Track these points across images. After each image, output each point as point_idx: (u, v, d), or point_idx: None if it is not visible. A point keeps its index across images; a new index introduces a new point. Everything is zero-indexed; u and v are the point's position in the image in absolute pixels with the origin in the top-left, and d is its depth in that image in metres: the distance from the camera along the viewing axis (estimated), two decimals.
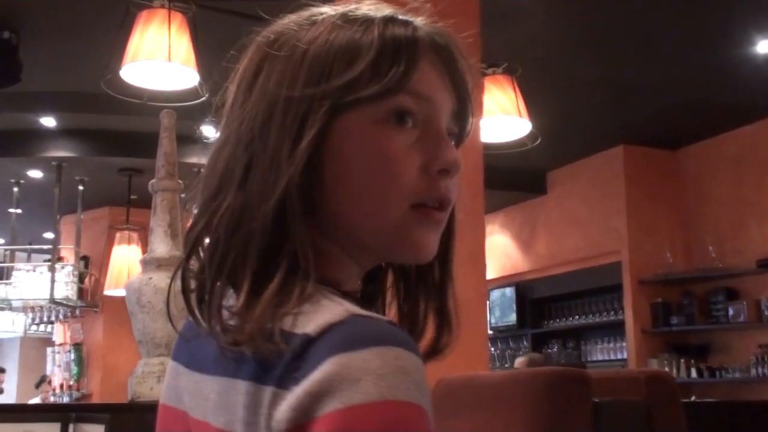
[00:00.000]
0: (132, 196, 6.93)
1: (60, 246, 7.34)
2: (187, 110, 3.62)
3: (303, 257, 0.73)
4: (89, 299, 7.64)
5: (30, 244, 8.37)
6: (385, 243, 0.78)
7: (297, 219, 0.73)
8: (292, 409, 0.65)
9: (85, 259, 7.71)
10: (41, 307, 7.72)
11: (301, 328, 0.68)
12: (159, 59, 3.38)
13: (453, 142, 0.82)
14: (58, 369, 8.02)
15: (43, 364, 9.39)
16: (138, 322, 2.93)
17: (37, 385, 8.20)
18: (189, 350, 0.84)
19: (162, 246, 3.00)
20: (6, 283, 7.45)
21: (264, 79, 0.77)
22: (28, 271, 7.43)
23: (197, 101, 3.69)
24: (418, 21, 0.79)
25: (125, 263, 6.74)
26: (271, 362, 0.68)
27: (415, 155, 0.76)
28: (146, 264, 3.02)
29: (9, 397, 10.83)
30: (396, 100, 0.75)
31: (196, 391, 0.79)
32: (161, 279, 2.92)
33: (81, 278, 7.50)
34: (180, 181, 3.09)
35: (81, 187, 7.09)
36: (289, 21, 0.80)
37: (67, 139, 6.50)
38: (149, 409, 2.83)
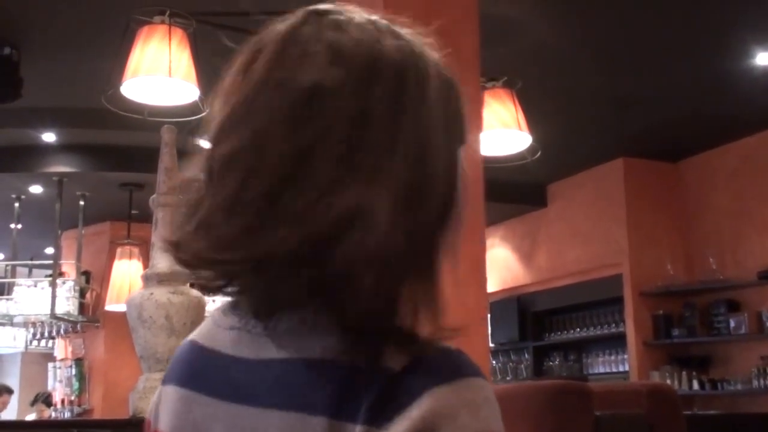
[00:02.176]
0: (133, 211, 6.93)
1: (61, 261, 7.33)
2: (187, 125, 3.63)
3: None
4: (90, 314, 7.63)
5: (31, 259, 8.37)
6: None
7: None
8: None
9: (87, 274, 7.70)
10: (42, 322, 7.70)
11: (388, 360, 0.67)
12: (159, 74, 3.39)
13: None
14: (59, 384, 8.00)
15: (44, 380, 9.38)
16: (139, 338, 2.93)
17: (32, 403, 8.17)
18: (212, 377, 0.78)
19: (163, 261, 3.00)
20: (7, 299, 7.44)
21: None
22: (29, 286, 7.42)
23: (198, 116, 3.70)
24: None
25: (126, 278, 6.74)
26: (355, 393, 0.66)
27: None
28: (148, 279, 3.02)
29: (10, 413, 10.81)
30: None
31: (238, 426, 0.73)
32: (162, 294, 2.92)
33: (82, 293, 7.49)
34: (180, 197, 3.09)
35: (82, 202, 7.09)
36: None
37: (67, 154, 6.52)
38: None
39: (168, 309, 2.90)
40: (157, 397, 0.86)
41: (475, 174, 3.31)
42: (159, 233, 3.04)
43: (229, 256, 0.71)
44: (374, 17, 0.77)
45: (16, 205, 7.28)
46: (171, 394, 0.82)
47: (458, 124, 0.78)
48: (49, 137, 6.25)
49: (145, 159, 6.28)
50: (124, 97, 3.61)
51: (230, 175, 0.72)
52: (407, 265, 0.70)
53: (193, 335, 0.87)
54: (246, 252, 0.70)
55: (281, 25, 0.76)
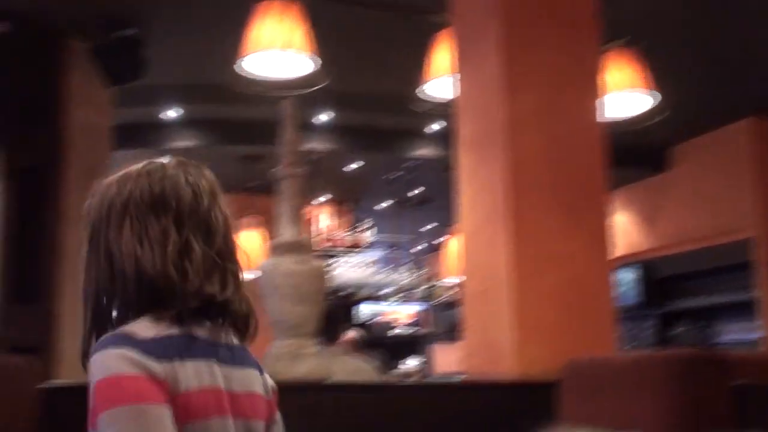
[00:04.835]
0: (253, 183, 7.10)
1: None
2: (304, 97, 3.68)
3: None
4: None
5: None
6: None
7: None
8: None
9: None
10: None
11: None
12: (278, 48, 3.43)
13: None
14: None
15: None
16: (269, 305, 3.01)
17: None
18: (212, 353, 1.30)
19: (288, 231, 3.07)
20: None
21: None
22: None
23: (316, 88, 3.74)
24: None
25: (249, 249, 6.92)
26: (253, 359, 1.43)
27: None
28: (275, 249, 3.10)
29: None
30: None
31: (245, 380, 1.35)
32: (289, 263, 2.99)
33: None
34: (303, 167, 3.15)
35: None
36: None
37: (188, 130, 6.72)
38: (290, 388, 2.90)
39: (294, 278, 2.97)
40: (163, 370, 1.20)
41: (594, 140, 3.24)
42: (284, 204, 3.11)
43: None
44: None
45: None
46: (190, 366, 1.24)
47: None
48: (171, 114, 6.46)
49: (263, 132, 6.42)
50: (245, 72, 3.67)
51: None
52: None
53: (140, 331, 1.24)
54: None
55: None
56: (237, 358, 1.35)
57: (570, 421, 2.59)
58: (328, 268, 3.17)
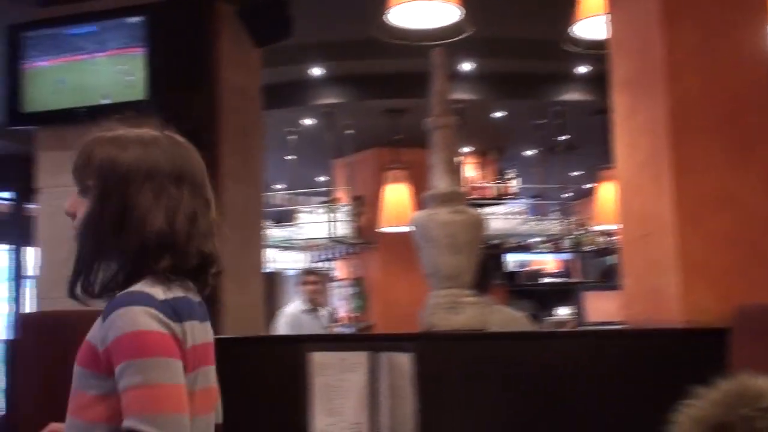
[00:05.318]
0: (398, 136, 7.14)
1: (335, 188, 7.75)
2: (448, 46, 3.63)
3: None
4: (365, 236, 8.04)
5: (306, 188, 8.94)
6: None
7: None
8: None
9: (359, 198, 8.10)
10: (322, 245, 8.24)
11: None
12: None
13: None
14: (341, 302, 8.56)
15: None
16: (425, 256, 3.03)
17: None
18: (194, 312, 1.50)
19: (443, 182, 3.06)
20: (289, 225, 8.04)
21: None
22: (308, 212, 7.96)
23: (461, 36, 3.69)
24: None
25: (396, 201, 7.00)
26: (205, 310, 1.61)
27: None
28: (429, 200, 3.10)
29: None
30: None
31: (209, 334, 1.56)
32: (444, 214, 2.99)
33: (356, 217, 7.90)
34: (455, 117, 3.12)
35: (350, 131, 7.42)
36: None
37: (334, 86, 6.82)
38: (450, 338, 2.93)
39: (450, 228, 2.97)
40: (180, 330, 1.42)
41: (763, 75, 3.03)
42: (437, 155, 3.10)
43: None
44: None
45: (290, 138, 7.77)
46: (193, 325, 1.47)
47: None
48: (316, 71, 6.56)
49: (406, 85, 6.44)
50: (390, 24, 3.66)
51: None
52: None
53: (155, 293, 1.44)
54: None
55: None
56: (205, 313, 1.58)
57: (742, 369, 2.49)
58: (484, 218, 3.14)
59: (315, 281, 6.38)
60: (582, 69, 6.53)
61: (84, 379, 1.43)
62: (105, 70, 4.24)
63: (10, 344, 3.13)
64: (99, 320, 1.43)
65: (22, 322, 3.25)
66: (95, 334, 1.43)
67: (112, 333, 1.37)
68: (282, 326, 6.21)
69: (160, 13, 4.18)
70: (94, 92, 4.23)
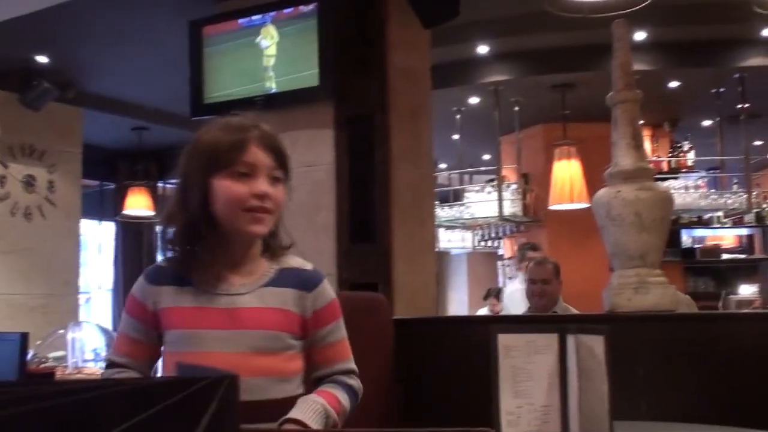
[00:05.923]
0: (566, 111, 6.98)
1: (502, 166, 7.68)
2: (627, 17, 3.50)
3: None
4: (533, 214, 7.93)
5: (470, 167, 8.91)
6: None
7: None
8: None
9: (526, 176, 7.99)
10: (489, 224, 8.20)
11: None
12: None
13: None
14: (509, 281, 8.50)
15: (489, 277, 10.03)
16: (609, 235, 2.95)
17: (485, 297, 8.79)
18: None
19: (626, 158, 2.96)
20: (457, 205, 8.04)
21: (184, 160, 1.70)
22: (477, 191, 7.94)
23: (639, 6, 3.55)
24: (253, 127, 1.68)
25: (566, 178, 6.85)
26: None
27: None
28: (612, 177, 3.01)
29: (462, 307, 11.79)
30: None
31: None
32: (629, 191, 2.89)
33: (524, 195, 7.80)
34: (638, 91, 3.00)
35: (517, 108, 7.32)
36: (196, 133, 1.72)
37: (500, 63, 6.74)
38: (640, 319, 2.84)
39: (636, 206, 2.86)
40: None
41: None
42: (620, 130, 3.00)
43: None
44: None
45: (458, 117, 7.75)
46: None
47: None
48: (482, 49, 6.50)
49: (575, 58, 6.27)
50: None
51: None
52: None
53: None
54: None
55: None
56: None
57: None
58: (671, 193, 3.01)
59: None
60: (767, 32, 6.13)
61: (280, 341, 1.67)
62: (280, 59, 4.37)
63: None
64: (290, 291, 1.70)
65: None
66: (293, 302, 1.70)
67: (323, 300, 1.74)
68: (505, 304, 6.21)
69: (331, 0, 4.27)
70: (270, 81, 4.37)
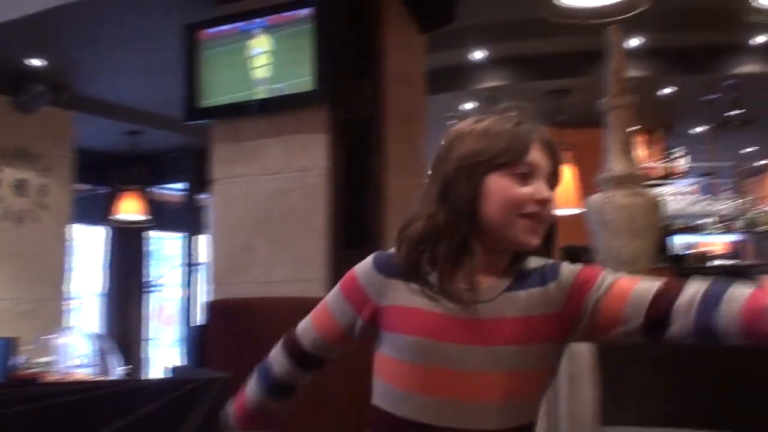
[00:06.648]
0: (561, 117, 6.99)
1: None
2: (623, 24, 3.51)
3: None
4: None
5: None
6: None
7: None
8: None
9: None
10: None
11: None
12: None
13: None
14: None
15: None
16: (601, 240, 2.95)
17: None
18: None
19: (619, 163, 2.97)
20: None
21: (453, 152, 1.48)
22: None
23: (632, 13, 3.55)
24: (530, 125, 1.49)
25: (564, 183, 6.85)
26: None
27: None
28: (605, 182, 3.01)
29: None
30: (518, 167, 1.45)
31: None
32: (621, 197, 2.90)
33: None
34: (632, 97, 3.02)
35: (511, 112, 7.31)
36: (466, 122, 1.51)
37: (495, 70, 6.75)
38: None
39: (628, 211, 2.87)
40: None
41: None
42: (612, 136, 3.01)
43: None
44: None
45: (453, 123, 7.74)
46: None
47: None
48: (477, 54, 6.51)
49: (571, 64, 6.28)
50: (558, 3, 3.58)
51: None
52: None
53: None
54: None
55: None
56: None
57: None
58: (662, 199, 3.02)
59: None
60: (760, 39, 6.16)
61: (542, 355, 1.44)
62: (275, 63, 4.37)
63: (200, 329, 3.30)
64: (537, 291, 1.46)
65: (212, 308, 3.41)
66: (541, 303, 1.45)
67: (568, 276, 1.47)
68: None
69: (327, 4, 4.27)
70: (264, 85, 4.37)
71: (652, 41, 6.29)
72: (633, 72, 6.46)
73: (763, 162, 8.60)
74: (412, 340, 1.42)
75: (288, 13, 4.34)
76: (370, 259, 1.54)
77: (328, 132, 4.36)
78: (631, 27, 5.85)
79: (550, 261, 1.50)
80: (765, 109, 6.41)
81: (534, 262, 1.50)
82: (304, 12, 4.28)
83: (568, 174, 6.85)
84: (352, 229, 4.45)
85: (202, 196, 8.53)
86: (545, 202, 1.44)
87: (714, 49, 6.40)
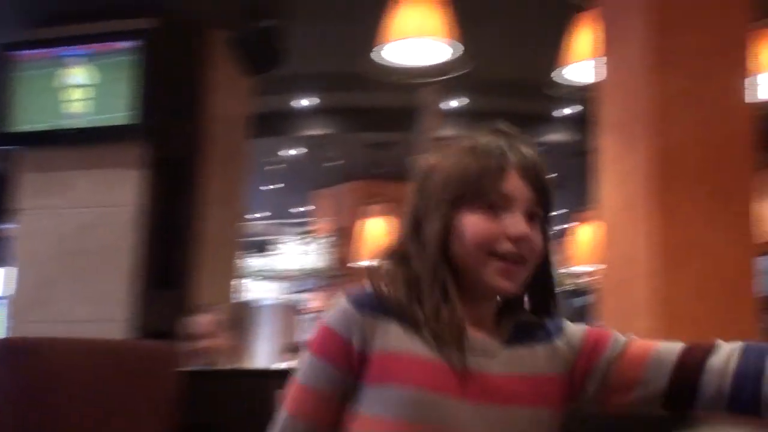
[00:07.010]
0: (381, 170, 7.17)
1: (316, 219, 7.76)
2: (444, 84, 3.67)
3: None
4: (342, 269, 8.02)
5: (286, 219, 8.93)
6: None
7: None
8: None
9: (339, 230, 8.09)
10: (297, 276, 8.22)
11: None
12: (418, 36, 3.42)
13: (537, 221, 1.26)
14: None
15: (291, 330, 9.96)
16: None
17: (281, 352, 8.70)
18: None
19: None
20: (266, 255, 8.02)
21: (424, 185, 1.27)
22: (286, 243, 7.95)
23: (452, 75, 3.71)
24: (510, 149, 1.26)
25: (376, 235, 6.99)
26: None
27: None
28: None
29: (268, 359, 11.60)
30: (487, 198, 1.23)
31: None
32: None
33: (334, 249, 7.89)
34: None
35: (332, 163, 7.43)
36: (438, 151, 1.32)
37: (320, 118, 6.85)
38: None
39: None
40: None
41: (742, 121, 3.10)
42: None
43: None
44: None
45: (271, 168, 7.76)
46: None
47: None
48: (303, 102, 6.60)
49: (392, 119, 6.48)
50: (383, 59, 3.68)
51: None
52: None
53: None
54: None
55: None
56: None
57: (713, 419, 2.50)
58: None
59: None
60: (566, 110, 6.62)
61: (549, 420, 1.25)
62: (93, 93, 4.24)
63: None
64: (540, 348, 1.27)
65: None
66: (549, 361, 1.26)
67: (580, 332, 1.28)
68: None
69: (153, 39, 4.20)
70: (82, 115, 4.22)
71: (474, 103, 6.60)
72: (453, 131, 6.74)
73: (565, 226, 9.15)
74: (411, 394, 1.17)
75: (112, 43, 4.23)
76: (342, 304, 1.21)
77: (143, 168, 4.26)
78: (454, 88, 6.13)
79: (548, 317, 1.30)
80: (570, 175, 6.85)
81: (528, 316, 1.30)
82: (129, 44, 4.19)
83: (381, 226, 7.01)
84: (161, 268, 4.35)
85: (5, 225, 8.03)
86: (520, 239, 1.21)
87: (524, 115, 6.81)
